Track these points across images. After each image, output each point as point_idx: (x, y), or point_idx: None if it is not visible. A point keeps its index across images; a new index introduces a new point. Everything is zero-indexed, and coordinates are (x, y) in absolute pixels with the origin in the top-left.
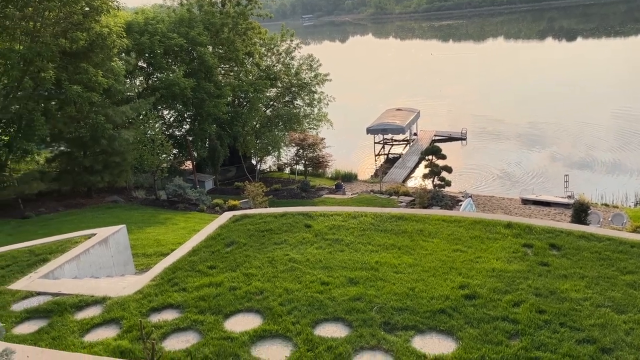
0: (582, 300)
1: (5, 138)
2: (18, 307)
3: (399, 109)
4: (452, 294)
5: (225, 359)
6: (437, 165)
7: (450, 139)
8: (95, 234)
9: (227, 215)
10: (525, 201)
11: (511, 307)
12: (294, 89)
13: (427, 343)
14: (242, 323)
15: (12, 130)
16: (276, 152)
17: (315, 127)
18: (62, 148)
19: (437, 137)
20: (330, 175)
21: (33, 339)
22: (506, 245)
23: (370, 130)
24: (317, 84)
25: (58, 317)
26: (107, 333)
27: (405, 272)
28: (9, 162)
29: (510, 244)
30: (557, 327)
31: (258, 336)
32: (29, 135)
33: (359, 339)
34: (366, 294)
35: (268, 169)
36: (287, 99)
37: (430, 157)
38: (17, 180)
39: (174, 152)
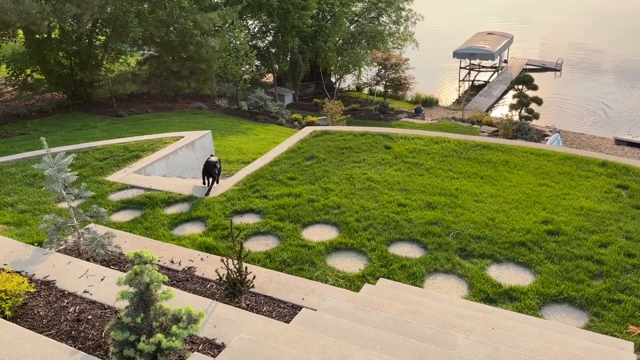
0: None
1: (102, 38)
2: (115, 197)
3: (490, 33)
4: (534, 228)
5: (302, 264)
6: (526, 96)
7: (543, 69)
8: (183, 137)
9: (307, 130)
10: (619, 142)
11: (597, 248)
12: (380, 4)
13: (503, 273)
14: (318, 234)
15: (107, 30)
16: (357, 71)
17: (399, 46)
18: (152, 52)
19: (528, 67)
20: (410, 99)
21: (128, 227)
22: (598, 184)
23: (457, 54)
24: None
25: (150, 209)
26: (193, 229)
27: (486, 202)
28: (104, 62)
29: (603, 183)
30: None
31: (334, 247)
32: (122, 36)
33: (434, 261)
34: (443, 219)
35: (347, 88)
36: (372, 14)
37: (520, 86)
38: (111, 80)
39: (256, 63)
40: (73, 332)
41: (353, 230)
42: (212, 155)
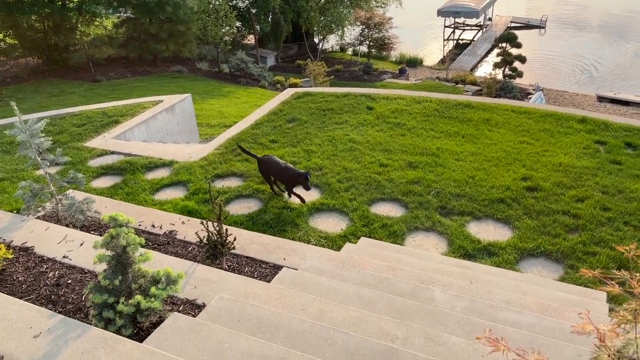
0: None
1: (75, 0)
2: (94, 163)
3: None
4: (513, 184)
5: (284, 226)
6: (510, 54)
7: (528, 26)
8: (162, 101)
9: (289, 92)
10: (601, 99)
11: (574, 202)
12: None
13: (482, 229)
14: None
15: None
16: (340, 31)
17: (382, 5)
18: (128, 14)
19: (513, 24)
20: (394, 59)
21: (109, 193)
22: (577, 140)
23: (442, 12)
24: None
25: (130, 175)
26: (175, 194)
27: (467, 160)
28: (79, 25)
29: (582, 139)
30: (621, 226)
31: (316, 209)
32: None
33: (414, 219)
34: (425, 178)
35: (330, 49)
36: None
37: (504, 44)
38: (87, 44)
39: (237, 25)
40: (53, 297)
41: (335, 191)
42: (275, 160)
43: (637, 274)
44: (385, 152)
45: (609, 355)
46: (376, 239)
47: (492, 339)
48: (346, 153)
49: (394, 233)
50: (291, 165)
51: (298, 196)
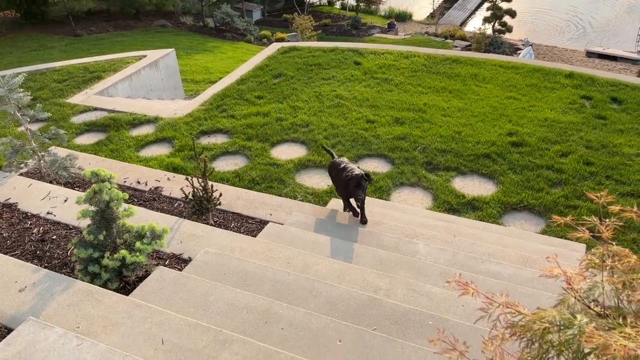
0: (634, 155)
1: None
2: (77, 119)
3: None
4: (499, 140)
5: (271, 182)
6: (500, 8)
7: None
8: (145, 56)
9: (275, 46)
10: (590, 54)
11: (558, 157)
12: None
13: (467, 184)
14: (287, 152)
15: None
16: None
17: None
18: None
19: None
20: (383, 14)
21: (93, 150)
22: (564, 95)
23: None
24: None
25: (114, 132)
26: (160, 150)
27: (454, 116)
28: None
29: (569, 94)
30: (603, 180)
31: (302, 165)
32: None
33: (400, 175)
34: (411, 134)
35: (318, 3)
36: None
37: None
38: None
39: None
40: (38, 252)
41: (321, 148)
42: (342, 161)
43: (607, 220)
44: (372, 108)
45: (575, 298)
46: None
47: (462, 282)
48: (333, 109)
49: (379, 189)
50: (352, 166)
51: (354, 212)
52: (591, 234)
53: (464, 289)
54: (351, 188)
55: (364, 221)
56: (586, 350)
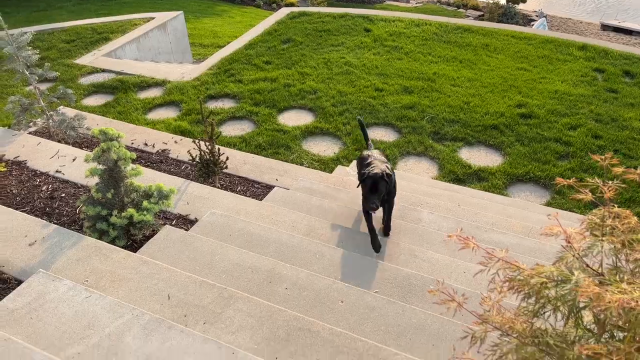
0: None
1: None
2: (85, 80)
3: None
4: (507, 111)
5: (277, 148)
6: None
7: None
8: (154, 18)
9: (284, 11)
10: (605, 27)
11: (567, 130)
12: None
13: (474, 155)
14: (294, 118)
15: None
16: None
17: None
18: None
19: None
20: None
21: (101, 111)
22: (576, 68)
23: None
24: None
25: (122, 94)
26: (167, 114)
27: (463, 86)
28: None
29: (581, 67)
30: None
31: (309, 132)
32: None
33: (407, 144)
34: (420, 103)
35: None
36: None
37: None
38: None
39: None
40: (47, 209)
41: (329, 115)
42: (369, 156)
43: (609, 182)
44: (381, 76)
45: (573, 256)
46: None
47: (463, 237)
48: (341, 76)
49: (386, 157)
50: (378, 162)
51: (370, 230)
52: (593, 196)
53: (464, 243)
54: (364, 191)
55: (374, 246)
56: (581, 304)
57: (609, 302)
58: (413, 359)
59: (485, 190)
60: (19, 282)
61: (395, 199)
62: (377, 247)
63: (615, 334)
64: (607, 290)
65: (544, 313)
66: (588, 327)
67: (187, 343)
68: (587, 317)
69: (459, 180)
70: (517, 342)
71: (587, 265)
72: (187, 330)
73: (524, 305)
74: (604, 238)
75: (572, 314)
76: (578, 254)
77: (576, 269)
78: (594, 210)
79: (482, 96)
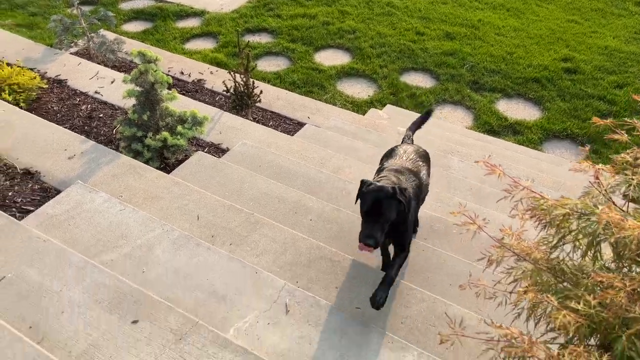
0: None
1: None
2: (125, 6)
3: None
4: (552, 65)
5: (311, 87)
6: None
7: None
8: None
9: None
10: None
11: (612, 88)
12: None
13: (512, 107)
14: (331, 58)
15: None
16: None
17: None
18: None
19: None
20: None
21: (140, 38)
22: (630, 24)
23: None
24: None
25: (161, 22)
26: (204, 44)
27: (508, 36)
28: None
29: (635, 23)
30: None
31: (345, 73)
32: None
33: (444, 92)
34: (461, 50)
35: None
36: None
37: None
38: None
39: None
40: (86, 127)
41: (366, 57)
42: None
43: None
44: (423, 20)
45: (599, 192)
46: (402, 108)
47: (490, 164)
48: (382, 17)
49: (421, 104)
50: (408, 168)
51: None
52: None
53: (491, 169)
54: (361, 212)
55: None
56: (601, 236)
57: (630, 228)
58: (429, 294)
59: (520, 144)
60: (58, 192)
61: (426, 144)
62: (376, 303)
63: (633, 269)
64: (627, 220)
65: (563, 245)
66: (606, 265)
67: (213, 260)
68: (606, 255)
69: (493, 132)
70: (532, 267)
71: (613, 203)
72: (214, 248)
73: (544, 236)
74: (634, 176)
75: (592, 248)
76: (605, 190)
77: (601, 204)
78: (627, 151)
79: (526, 47)
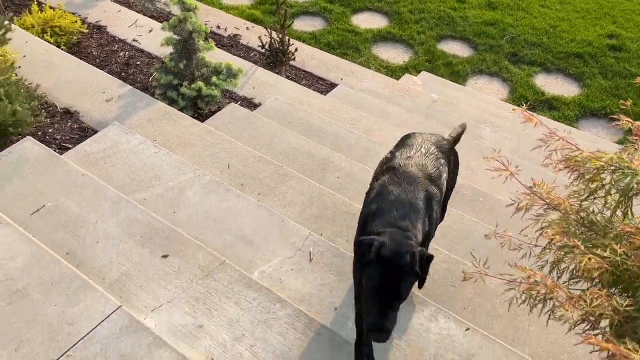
0: None
1: None
2: None
3: None
4: (596, 41)
5: (346, 49)
6: None
7: None
8: None
9: None
10: None
11: None
12: None
13: (550, 82)
14: (368, 21)
15: None
16: None
17: None
18: None
19: None
20: None
21: None
22: None
23: None
24: None
25: None
26: (242, 1)
27: (552, 8)
28: None
29: None
30: None
31: (381, 37)
32: None
33: (481, 62)
34: (502, 21)
35: None
36: None
37: None
38: None
39: None
40: (123, 74)
41: (404, 22)
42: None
43: None
44: None
45: (636, 149)
46: (437, 76)
47: (527, 113)
48: None
49: (456, 72)
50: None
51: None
52: None
53: (528, 118)
54: (364, 285)
55: None
56: (634, 190)
57: None
58: (453, 256)
59: (555, 120)
60: (95, 132)
61: (459, 112)
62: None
63: None
64: None
65: (594, 199)
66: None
67: (242, 206)
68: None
69: (528, 107)
70: (561, 215)
71: None
72: (243, 195)
73: (575, 190)
74: None
75: (623, 203)
76: None
77: (637, 160)
78: None
79: (571, 21)
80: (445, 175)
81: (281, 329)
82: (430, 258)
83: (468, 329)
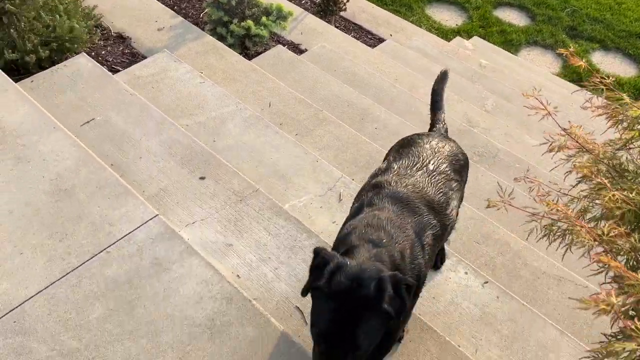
0: None
1: None
2: None
3: None
4: None
5: (399, 7)
6: None
7: None
8: None
9: None
10: None
11: None
12: None
13: (607, 61)
14: None
15: None
16: None
17: None
18: None
19: None
20: None
21: None
22: None
23: None
24: None
25: None
26: None
27: None
28: None
29: None
30: None
31: None
32: None
33: (537, 33)
34: None
35: None
36: None
37: None
38: None
39: None
40: (175, 7)
41: None
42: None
43: None
44: None
45: None
46: (490, 42)
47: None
48: None
49: (509, 41)
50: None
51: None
52: None
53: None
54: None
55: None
56: None
57: None
58: (479, 213)
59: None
60: (145, 58)
61: (508, 80)
62: None
63: None
64: None
65: (629, 149)
66: None
67: (279, 142)
68: None
69: (580, 84)
70: (593, 157)
71: None
72: (281, 132)
73: (611, 139)
74: None
75: None
76: None
77: None
78: None
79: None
80: (455, 203)
81: (305, 256)
82: (410, 286)
83: (487, 282)
